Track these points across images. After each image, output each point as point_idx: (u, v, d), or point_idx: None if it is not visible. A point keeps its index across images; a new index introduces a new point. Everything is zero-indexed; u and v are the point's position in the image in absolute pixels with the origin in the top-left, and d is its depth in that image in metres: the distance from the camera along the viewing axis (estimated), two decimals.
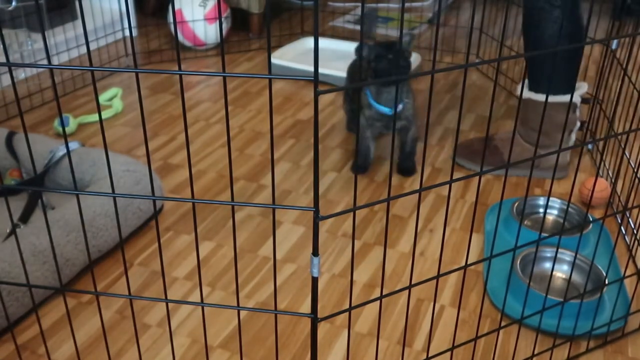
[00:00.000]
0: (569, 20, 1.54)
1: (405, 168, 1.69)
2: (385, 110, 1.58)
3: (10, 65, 0.66)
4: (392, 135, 0.76)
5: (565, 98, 1.57)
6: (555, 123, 1.59)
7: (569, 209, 1.47)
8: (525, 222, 1.49)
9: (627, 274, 1.32)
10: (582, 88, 1.63)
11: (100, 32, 2.52)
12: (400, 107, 1.58)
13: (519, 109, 0.83)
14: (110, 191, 1.31)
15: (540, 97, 1.59)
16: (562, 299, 1.07)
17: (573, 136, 1.64)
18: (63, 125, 0.70)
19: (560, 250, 1.31)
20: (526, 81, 1.64)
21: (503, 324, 1.21)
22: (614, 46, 1.77)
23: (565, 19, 1.52)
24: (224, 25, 2.58)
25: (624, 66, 1.82)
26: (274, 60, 2.27)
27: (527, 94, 1.62)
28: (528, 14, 1.57)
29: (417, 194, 1.49)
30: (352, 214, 1.50)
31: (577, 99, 1.61)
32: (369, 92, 1.58)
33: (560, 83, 1.58)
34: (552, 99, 1.58)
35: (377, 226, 1.50)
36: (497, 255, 0.93)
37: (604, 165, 1.70)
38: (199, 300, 1.27)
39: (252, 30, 2.73)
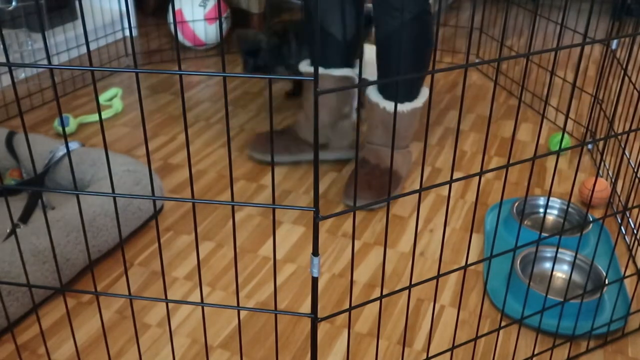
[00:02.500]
0: (415, 23, 1.49)
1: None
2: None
3: (10, 65, 0.66)
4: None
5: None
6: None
7: (569, 209, 1.47)
8: (525, 222, 1.49)
9: (627, 274, 1.32)
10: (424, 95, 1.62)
11: (100, 32, 2.52)
12: None
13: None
14: (110, 191, 1.32)
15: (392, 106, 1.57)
16: (562, 299, 1.07)
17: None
18: (63, 125, 0.70)
19: (560, 250, 1.31)
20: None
21: (503, 324, 1.21)
22: (614, 46, 1.77)
23: (411, 24, 1.49)
24: (224, 25, 2.58)
25: (624, 66, 1.82)
26: None
27: (382, 101, 1.58)
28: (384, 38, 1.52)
29: (417, 194, 1.49)
30: (352, 214, 1.50)
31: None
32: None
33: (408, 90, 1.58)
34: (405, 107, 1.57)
35: (377, 226, 1.50)
36: (497, 255, 0.93)
37: (604, 165, 1.70)
38: (199, 300, 1.27)
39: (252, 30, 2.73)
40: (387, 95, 1.57)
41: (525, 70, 0.80)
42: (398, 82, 1.53)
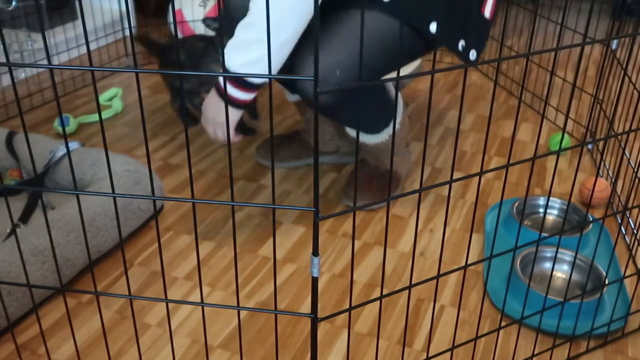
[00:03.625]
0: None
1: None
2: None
3: (10, 65, 0.66)
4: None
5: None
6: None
7: (569, 209, 1.47)
8: (525, 222, 1.49)
9: (627, 274, 1.32)
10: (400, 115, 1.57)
11: (100, 32, 2.52)
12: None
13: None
14: (110, 191, 1.32)
15: (371, 139, 1.53)
16: (562, 299, 1.07)
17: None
18: (63, 125, 0.70)
19: (560, 250, 1.31)
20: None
21: (503, 324, 1.21)
22: (614, 46, 1.77)
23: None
24: None
25: (624, 66, 1.82)
26: None
27: (360, 136, 1.53)
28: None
29: (417, 194, 1.49)
30: (352, 214, 1.50)
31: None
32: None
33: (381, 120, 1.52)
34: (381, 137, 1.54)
35: (377, 226, 1.50)
36: (497, 255, 0.93)
37: (604, 165, 1.70)
38: (199, 300, 1.27)
39: None
40: (362, 130, 1.51)
41: (525, 70, 0.80)
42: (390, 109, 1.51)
